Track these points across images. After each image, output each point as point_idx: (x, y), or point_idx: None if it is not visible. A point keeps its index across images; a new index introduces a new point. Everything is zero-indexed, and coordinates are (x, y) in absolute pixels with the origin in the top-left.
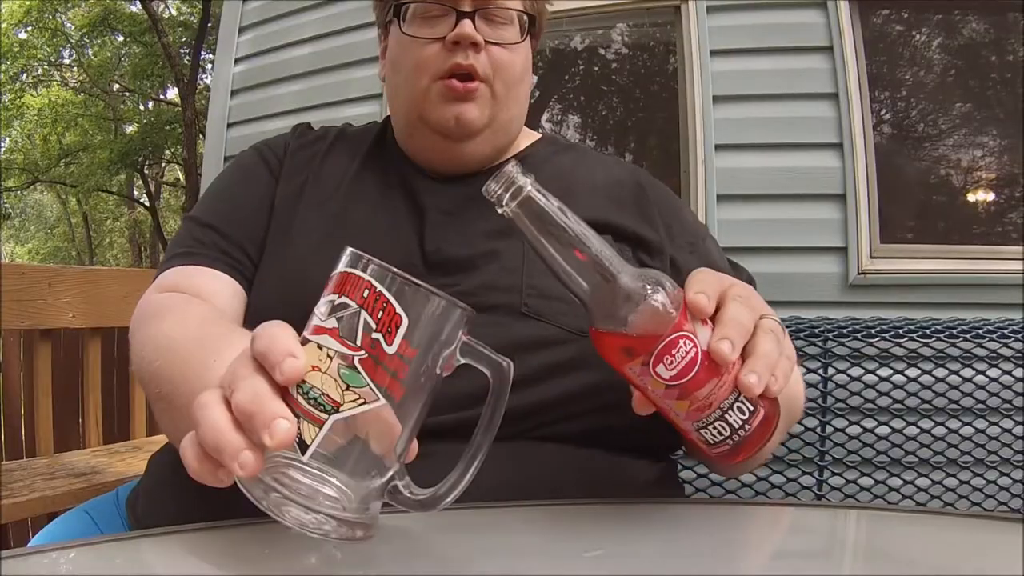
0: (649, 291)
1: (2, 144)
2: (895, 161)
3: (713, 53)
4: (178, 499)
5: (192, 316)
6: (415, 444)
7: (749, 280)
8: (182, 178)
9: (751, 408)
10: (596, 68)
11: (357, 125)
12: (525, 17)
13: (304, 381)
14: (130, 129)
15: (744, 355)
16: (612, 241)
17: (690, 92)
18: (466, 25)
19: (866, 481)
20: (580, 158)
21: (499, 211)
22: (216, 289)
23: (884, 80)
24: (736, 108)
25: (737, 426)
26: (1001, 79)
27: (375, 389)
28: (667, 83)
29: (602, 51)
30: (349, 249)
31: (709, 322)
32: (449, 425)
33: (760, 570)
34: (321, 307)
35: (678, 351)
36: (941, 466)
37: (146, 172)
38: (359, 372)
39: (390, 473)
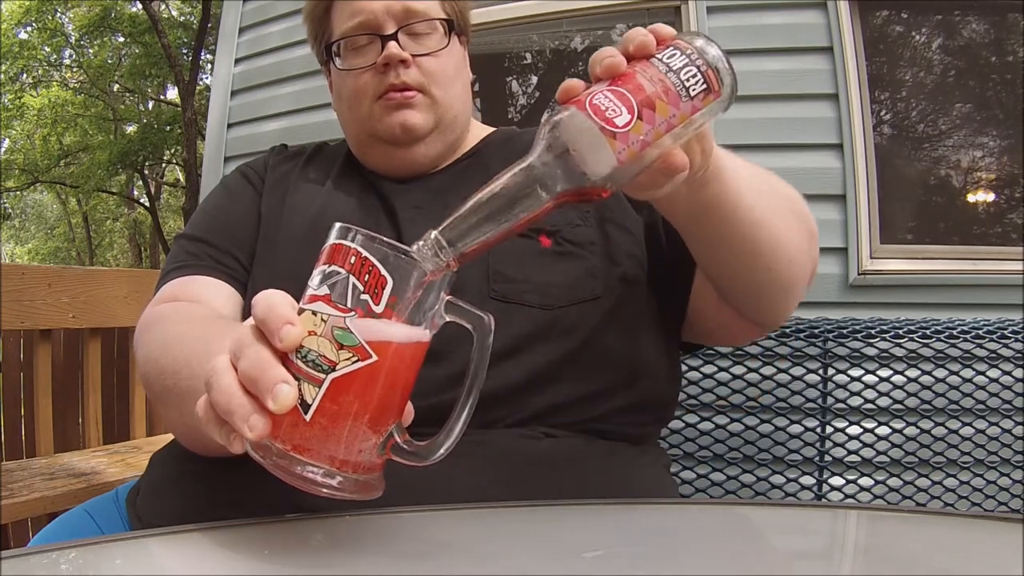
0: (548, 118)
1: (2, 144)
2: (895, 162)
3: None
4: (181, 497)
5: (194, 316)
6: (410, 405)
7: None
8: (182, 178)
9: (672, 49)
10: None
11: (333, 143)
12: (446, 22)
13: (302, 346)
14: (130, 129)
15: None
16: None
17: None
18: (391, 47)
19: (866, 481)
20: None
21: (453, 269)
22: (213, 294)
23: (884, 80)
24: (736, 108)
25: (692, 58)
26: (1001, 79)
27: (367, 346)
28: None
29: None
30: (338, 224)
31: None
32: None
33: (759, 570)
34: (314, 278)
35: (612, 100)
36: (941, 466)
37: (146, 172)
38: (351, 332)
39: (387, 431)
